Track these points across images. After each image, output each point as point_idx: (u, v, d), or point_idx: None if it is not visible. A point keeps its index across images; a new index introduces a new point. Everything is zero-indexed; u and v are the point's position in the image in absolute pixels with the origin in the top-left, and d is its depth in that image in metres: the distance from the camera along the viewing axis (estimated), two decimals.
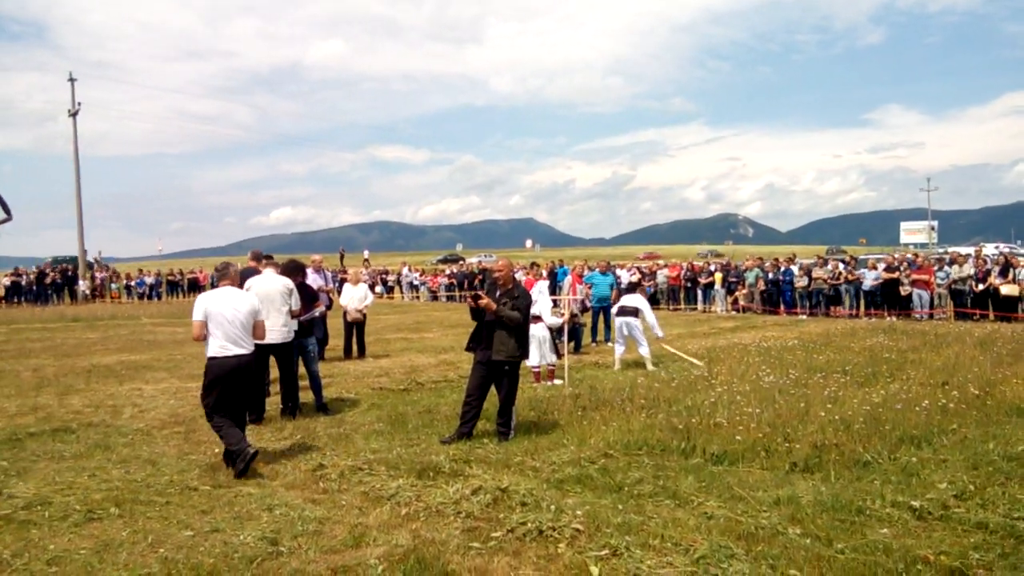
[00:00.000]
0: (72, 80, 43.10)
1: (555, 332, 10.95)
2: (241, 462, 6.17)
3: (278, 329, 8.31)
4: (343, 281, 19.01)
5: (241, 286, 7.69)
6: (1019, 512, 4.83)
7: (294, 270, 9.01)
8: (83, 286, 37.72)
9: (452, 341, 16.12)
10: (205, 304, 6.51)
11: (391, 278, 40.83)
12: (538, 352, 10.56)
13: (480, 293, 7.36)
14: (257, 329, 6.76)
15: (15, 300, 34.48)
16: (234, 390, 6.52)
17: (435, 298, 35.56)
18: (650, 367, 11.73)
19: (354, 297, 13.85)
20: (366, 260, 50.95)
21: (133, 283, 39.76)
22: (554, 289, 16.57)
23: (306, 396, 9.17)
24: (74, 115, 42.97)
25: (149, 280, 40.38)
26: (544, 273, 16.95)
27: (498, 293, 7.43)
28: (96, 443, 7.48)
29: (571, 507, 5.14)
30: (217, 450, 7.13)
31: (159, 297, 39.62)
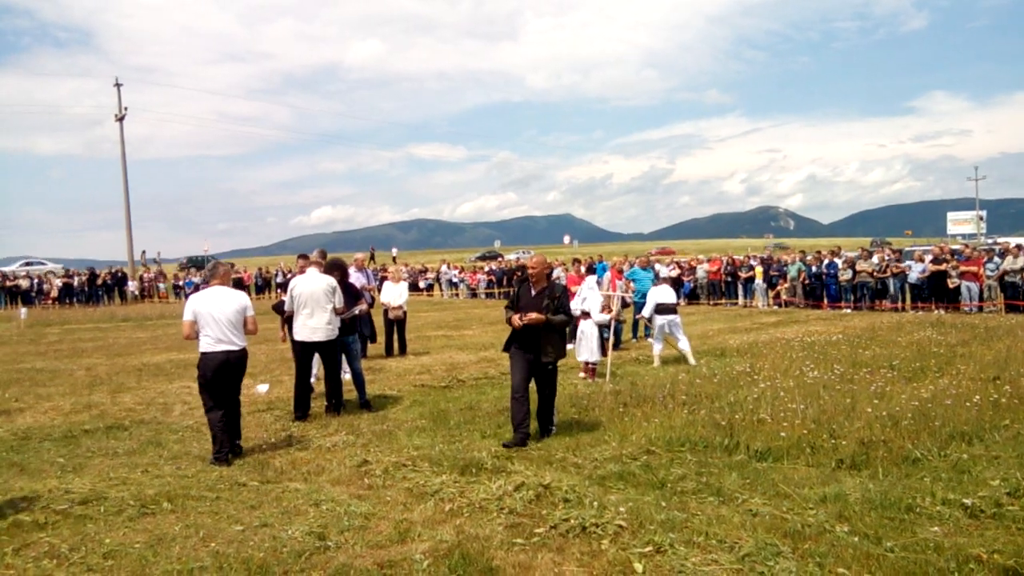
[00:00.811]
0: (118, 85, 44.15)
1: (601, 329, 10.91)
2: (217, 462, 6.67)
3: (323, 327, 8.44)
4: (383, 279, 19.20)
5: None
6: None
7: (335, 269, 9.13)
8: (132, 287, 38.64)
9: (492, 338, 16.17)
10: (194, 305, 6.90)
11: (431, 276, 41.06)
12: (587, 348, 10.54)
13: (531, 315, 7.00)
14: (247, 325, 7.06)
15: (68, 301, 35.45)
16: (224, 384, 6.91)
17: (474, 295, 35.68)
18: (692, 362, 11.65)
19: (395, 294, 14.00)
20: (394, 258, 51.28)
21: (181, 283, 40.58)
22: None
23: (349, 393, 9.30)
24: (121, 119, 44.01)
25: (196, 280, 41.17)
26: (584, 270, 16.89)
27: (533, 293, 7.21)
28: (148, 440, 7.69)
29: (614, 504, 5.14)
30: (265, 446, 7.28)
31: None
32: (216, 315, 6.82)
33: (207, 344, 6.83)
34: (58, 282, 36.35)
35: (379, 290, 15.41)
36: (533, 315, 7.01)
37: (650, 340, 15.11)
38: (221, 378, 6.87)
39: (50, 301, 34.93)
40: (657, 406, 8.20)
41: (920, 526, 4.62)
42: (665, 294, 12.14)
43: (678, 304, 11.86)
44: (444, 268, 40.59)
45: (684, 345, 11.89)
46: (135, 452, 7.23)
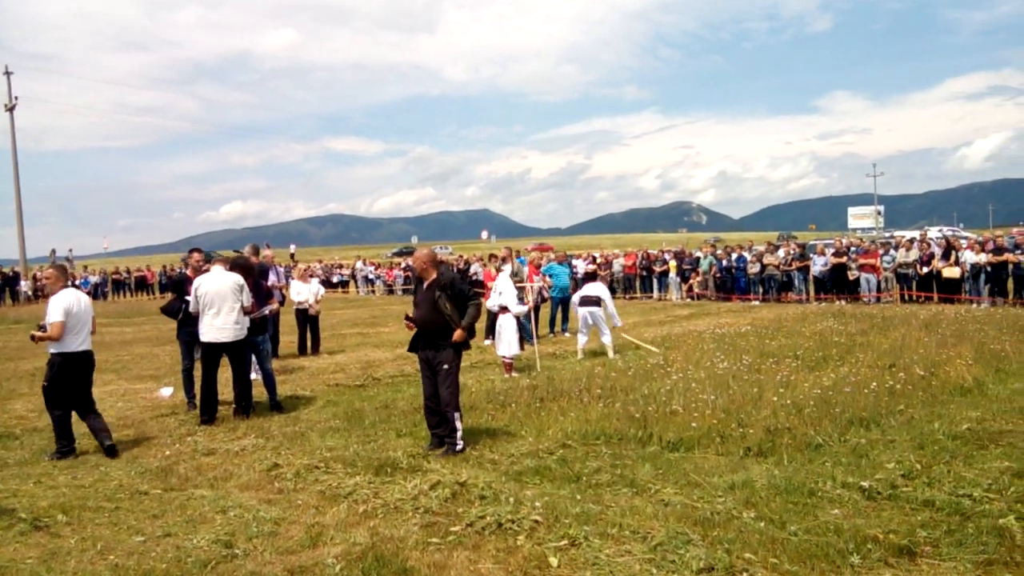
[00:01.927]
0: (8, 73, 41.79)
1: (520, 320, 10.90)
2: (58, 455, 6.90)
3: (230, 327, 8.15)
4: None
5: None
6: (964, 489, 4.98)
7: (246, 267, 8.84)
8: (25, 287, 36.57)
9: (408, 335, 15.84)
10: (65, 304, 6.95)
11: (346, 272, 40.39)
12: (505, 342, 10.53)
13: (455, 337, 6.67)
14: (92, 326, 7.36)
15: None
16: (82, 384, 7.16)
17: (391, 292, 35.29)
18: (611, 355, 11.81)
19: (310, 292, 13.71)
20: (292, 255, 50.40)
21: (78, 282, 38.63)
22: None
23: (259, 394, 9.02)
24: (11, 109, 41.62)
25: (94, 279, 39.32)
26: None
27: (425, 287, 6.84)
28: (41, 449, 7.27)
29: (530, 499, 5.15)
30: (168, 452, 7.00)
31: (105, 297, 38.63)
32: (84, 316, 7.10)
33: (75, 344, 6.99)
34: None
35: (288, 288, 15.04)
36: (456, 335, 6.66)
37: (567, 335, 15.28)
38: (82, 378, 7.12)
39: None
40: (573, 400, 8.27)
41: (822, 509, 4.80)
42: (591, 288, 12.29)
43: (600, 299, 11.94)
44: (360, 264, 39.97)
45: (607, 339, 12.04)
46: (27, 462, 6.84)
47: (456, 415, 6.68)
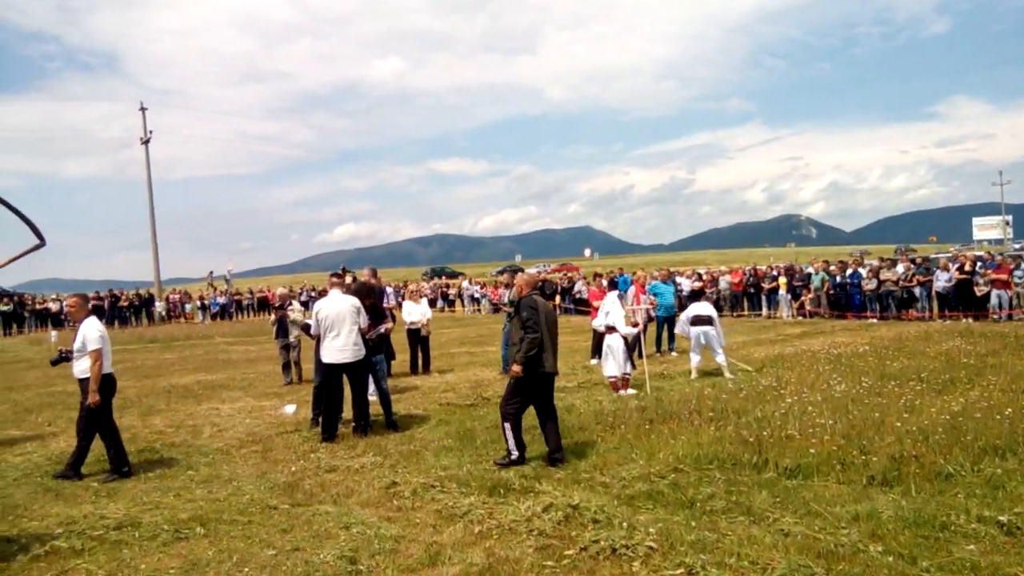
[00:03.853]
0: (143, 109, 44.92)
1: (628, 341, 10.90)
2: (116, 474, 7.26)
3: (350, 348, 8.52)
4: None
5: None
6: None
7: (366, 292, 9.20)
8: (159, 307, 39.12)
9: None
10: (100, 330, 7.32)
11: (452, 291, 41.16)
12: (613, 362, 10.58)
13: (512, 371, 7.09)
14: None
15: None
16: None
17: (497, 310, 35.67)
18: (727, 375, 11.60)
19: (421, 312, 14.15)
20: (354, 277, 51.37)
21: (207, 303, 40.97)
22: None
23: (376, 412, 9.34)
24: (146, 143, 44.75)
25: (221, 300, 41.57)
26: (606, 284, 16.88)
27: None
28: (179, 463, 7.77)
29: (643, 524, 5.13)
30: (294, 468, 7.35)
31: (230, 317, 40.79)
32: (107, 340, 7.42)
33: (109, 366, 7.35)
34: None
35: (400, 308, 15.53)
36: (512, 370, 7.07)
37: (674, 355, 15.09)
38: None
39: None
40: (684, 422, 8.16)
41: (955, 544, 4.57)
42: (701, 307, 12.20)
43: (711, 317, 11.83)
44: (466, 284, 40.65)
45: (721, 359, 11.86)
46: (167, 476, 7.33)
47: (504, 425, 7.07)
